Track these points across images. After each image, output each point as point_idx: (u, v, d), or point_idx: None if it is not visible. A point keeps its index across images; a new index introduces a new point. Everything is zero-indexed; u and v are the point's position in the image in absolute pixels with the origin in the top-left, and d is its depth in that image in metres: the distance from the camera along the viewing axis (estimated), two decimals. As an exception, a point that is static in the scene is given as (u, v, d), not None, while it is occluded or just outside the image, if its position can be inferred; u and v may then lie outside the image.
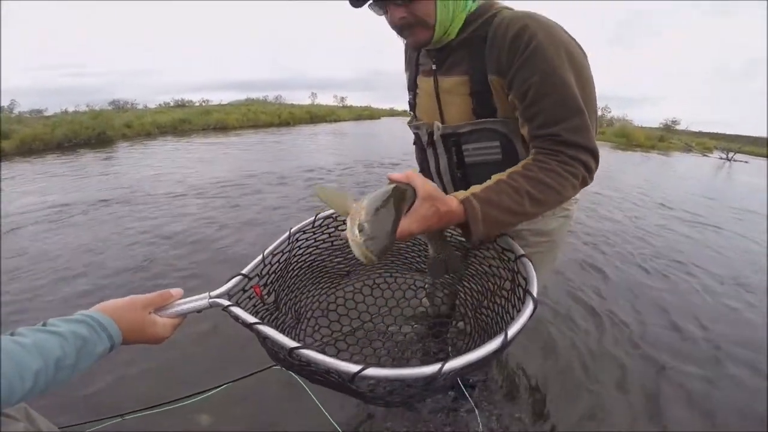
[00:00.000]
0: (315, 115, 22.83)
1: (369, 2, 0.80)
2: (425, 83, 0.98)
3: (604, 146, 16.38)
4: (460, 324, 1.13)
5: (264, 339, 0.67)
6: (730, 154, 17.71)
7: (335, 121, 24.34)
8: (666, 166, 10.93)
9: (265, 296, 0.90)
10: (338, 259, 1.19)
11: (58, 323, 0.51)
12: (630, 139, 18.63)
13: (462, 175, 0.98)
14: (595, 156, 0.77)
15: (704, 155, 18.66)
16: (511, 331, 0.58)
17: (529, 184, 0.72)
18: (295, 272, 1.08)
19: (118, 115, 16.92)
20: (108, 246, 2.85)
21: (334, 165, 6.37)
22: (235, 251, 2.75)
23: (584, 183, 0.77)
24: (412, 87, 1.07)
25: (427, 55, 0.95)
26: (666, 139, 21.45)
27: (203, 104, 32.48)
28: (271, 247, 0.97)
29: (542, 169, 0.73)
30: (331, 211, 1.09)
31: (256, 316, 0.72)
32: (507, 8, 0.83)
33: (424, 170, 1.12)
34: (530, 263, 0.73)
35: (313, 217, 1.09)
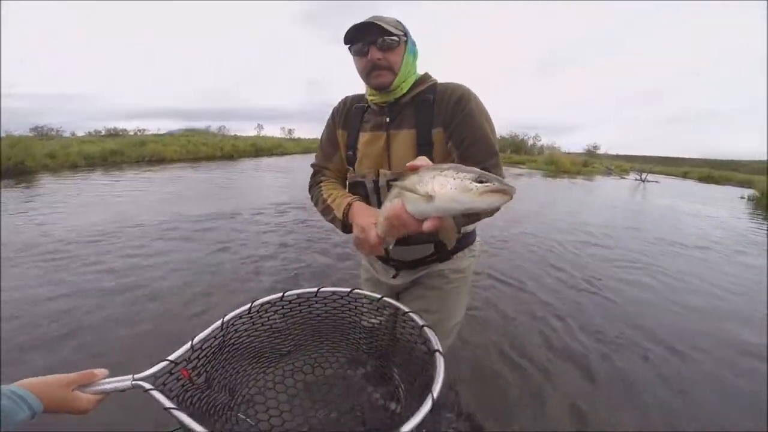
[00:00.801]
0: (260, 148, 22.26)
1: (359, 43, 1.03)
2: (374, 137, 1.14)
3: (536, 174, 17.70)
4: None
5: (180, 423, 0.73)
6: (644, 175, 20.01)
7: (282, 154, 23.95)
8: (591, 193, 11.94)
9: (195, 378, 0.93)
10: (278, 340, 1.21)
11: None
12: (558, 166, 20.39)
13: None
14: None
15: (622, 177, 20.86)
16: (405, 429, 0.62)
17: None
18: (231, 353, 1.09)
19: (41, 143, 15.17)
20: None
21: (276, 205, 6.15)
22: (155, 329, 2.34)
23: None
24: (353, 144, 1.19)
25: (380, 113, 1.13)
26: (589, 164, 23.74)
27: (138, 133, 30.45)
28: (201, 336, 0.99)
29: None
30: (268, 298, 1.13)
31: (185, 395, 0.83)
32: (439, 82, 1.13)
33: None
34: (442, 360, 0.80)
35: (249, 305, 1.12)
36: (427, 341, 0.91)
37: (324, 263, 3.41)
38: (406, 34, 1.07)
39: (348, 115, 1.22)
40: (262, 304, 1.14)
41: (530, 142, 32.51)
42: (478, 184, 0.61)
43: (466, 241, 1.28)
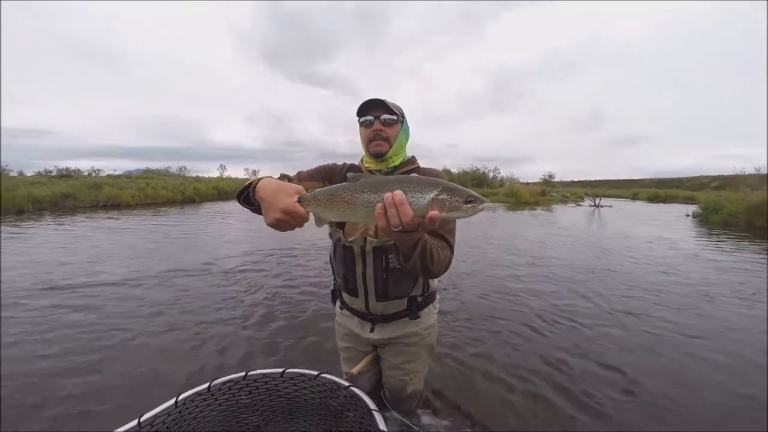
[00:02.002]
0: (223, 191, 21.69)
1: (368, 116, 1.30)
2: None
3: (498, 208, 18.34)
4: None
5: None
6: (597, 200, 21.29)
7: (246, 195, 23.55)
8: (551, 224, 12.49)
9: None
10: (244, 415, 1.25)
11: None
12: (518, 197, 21.34)
13: (385, 278, 1.35)
14: (453, 252, 1.25)
15: (578, 204, 22.05)
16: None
17: (435, 247, 1.13)
18: (191, 428, 1.12)
19: None
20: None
21: (243, 260, 5.93)
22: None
23: (449, 263, 1.20)
24: None
25: None
26: (547, 192, 25.02)
27: (93, 174, 28.84)
28: (148, 414, 1.01)
29: (441, 248, 1.18)
30: (230, 377, 1.20)
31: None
32: (421, 167, 1.40)
33: (347, 278, 1.43)
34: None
35: (208, 384, 1.16)
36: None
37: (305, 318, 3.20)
38: (403, 116, 1.36)
39: (342, 178, 1.37)
40: (223, 383, 1.19)
41: (491, 175, 33.92)
42: (467, 204, 0.84)
43: (431, 297, 1.51)
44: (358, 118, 1.34)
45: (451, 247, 1.23)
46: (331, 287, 1.65)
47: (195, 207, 15.97)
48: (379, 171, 1.35)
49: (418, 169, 1.36)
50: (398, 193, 0.80)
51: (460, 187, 0.85)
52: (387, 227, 0.83)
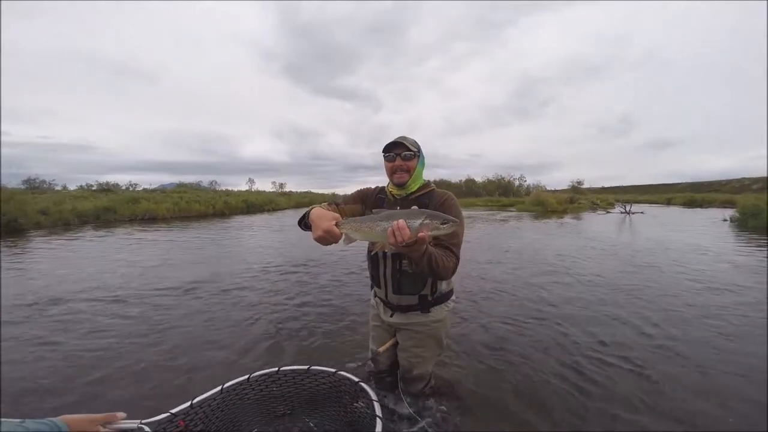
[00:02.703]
0: (252, 204, 22.41)
1: (391, 153, 1.64)
2: None
3: (524, 216, 18.01)
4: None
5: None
6: (628, 207, 20.51)
7: (274, 210, 24.04)
8: (580, 234, 12.15)
9: (191, 428, 1.17)
10: (274, 404, 1.48)
11: (30, 423, 0.81)
12: (545, 206, 20.80)
13: (399, 277, 1.74)
14: (458, 260, 1.54)
15: (608, 211, 21.32)
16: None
17: (441, 256, 1.44)
18: (230, 412, 1.33)
19: (33, 197, 15.09)
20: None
21: (268, 271, 6.20)
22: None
23: (455, 267, 1.52)
24: None
25: (394, 203, 1.71)
26: (575, 200, 24.30)
27: (131, 188, 30.45)
28: (200, 397, 1.23)
29: (446, 256, 1.48)
30: (266, 371, 1.46)
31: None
32: (436, 189, 1.73)
33: (374, 275, 1.86)
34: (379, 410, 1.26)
35: (248, 376, 1.40)
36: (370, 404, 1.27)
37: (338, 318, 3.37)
38: (419, 150, 1.69)
39: (375, 201, 1.79)
40: (260, 376, 1.43)
41: (516, 183, 33.34)
42: (443, 225, 1.23)
43: (442, 298, 1.82)
44: (383, 154, 1.69)
45: (456, 255, 1.54)
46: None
47: (225, 220, 16.60)
48: (401, 195, 1.71)
49: (431, 192, 1.70)
50: (401, 221, 1.20)
51: (440, 213, 1.25)
52: (395, 244, 1.21)
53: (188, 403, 1.19)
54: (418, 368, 1.91)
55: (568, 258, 7.06)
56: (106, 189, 26.50)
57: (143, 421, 1.04)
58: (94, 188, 27.06)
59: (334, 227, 1.30)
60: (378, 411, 1.20)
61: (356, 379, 1.39)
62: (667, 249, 8.08)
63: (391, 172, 1.68)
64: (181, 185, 32.50)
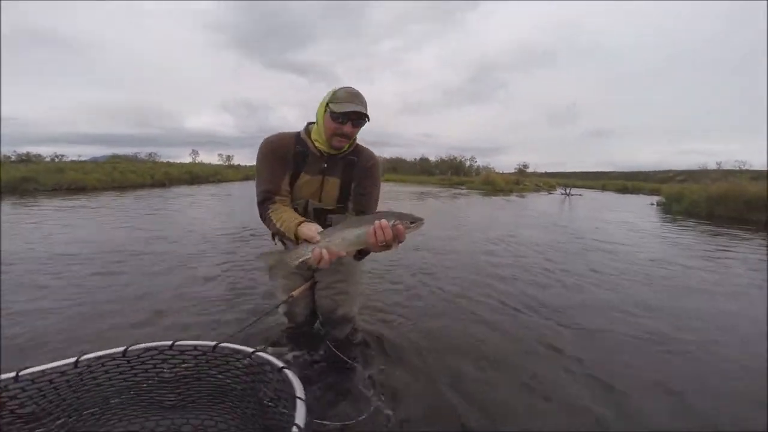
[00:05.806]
0: (196, 176, 21.00)
1: (347, 117, 1.40)
2: (311, 178, 1.58)
3: (474, 194, 18.63)
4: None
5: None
6: (568, 189, 22.05)
7: (220, 181, 22.76)
8: (526, 208, 12.81)
9: (15, 408, 0.88)
10: (163, 392, 1.09)
11: None
12: (494, 185, 21.80)
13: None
14: None
15: (550, 192, 22.75)
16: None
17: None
18: (89, 394, 1.01)
19: None
20: None
21: (216, 233, 5.80)
22: None
23: None
24: (294, 180, 1.57)
25: (320, 160, 1.56)
26: (521, 182, 25.64)
27: (56, 159, 27.14)
28: (36, 368, 0.92)
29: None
30: (154, 344, 1.06)
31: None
32: (359, 144, 1.65)
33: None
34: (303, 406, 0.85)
35: (124, 348, 1.03)
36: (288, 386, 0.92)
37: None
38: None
39: (295, 158, 1.55)
40: (146, 349, 1.04)
41: (467, 163, 34.37)
42: (411, 224, 1.24)
43: None
44: (328, 106, 1.42)
45: None
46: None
47: (165, 190, 15.41)
48: (328, 153, 1.54)
49: (358, 148, 1.63)
50: (383, 221, 1.18)
51: (407, 213, 1.25)
52: (375, 243, 1.19)
53: (12, 374, 0.88)
54: (343, 307, 1.77)
55: (513, 228, 7.38)
56: (26, 159, 23.24)
57: None
58: (12, 159, 23.43)
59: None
60: (300, 419, 0.79)
61: (280, 364, 0.99)
62: (603, 224, 8.70)
63: (331, 133, 1.45)
64: (114, 156, 29.63)
